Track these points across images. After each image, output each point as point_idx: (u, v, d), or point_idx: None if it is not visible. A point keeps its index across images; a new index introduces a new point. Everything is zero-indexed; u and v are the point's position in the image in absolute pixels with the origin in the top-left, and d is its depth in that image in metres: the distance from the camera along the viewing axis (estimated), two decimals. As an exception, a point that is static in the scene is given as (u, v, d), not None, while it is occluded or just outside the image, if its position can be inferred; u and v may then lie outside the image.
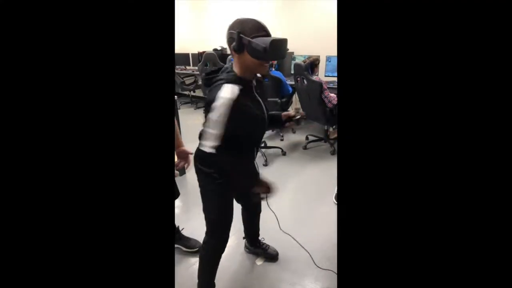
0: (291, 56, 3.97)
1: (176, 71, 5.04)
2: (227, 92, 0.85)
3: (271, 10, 4.21)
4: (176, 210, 1.93)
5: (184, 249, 1.53)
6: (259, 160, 2.74)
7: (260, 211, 1.39)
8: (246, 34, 0.83)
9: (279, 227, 1.45)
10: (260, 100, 1.00)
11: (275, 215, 1.38)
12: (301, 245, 1.54)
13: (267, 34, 0.85)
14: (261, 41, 0.81)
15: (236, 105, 0.85)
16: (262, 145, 2.94)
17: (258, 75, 1.04)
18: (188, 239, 1.56)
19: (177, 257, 1.50)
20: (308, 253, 1.49)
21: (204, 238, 1.14)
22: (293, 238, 1.55)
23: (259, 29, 0.84)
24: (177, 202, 1.98)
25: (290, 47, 3.95)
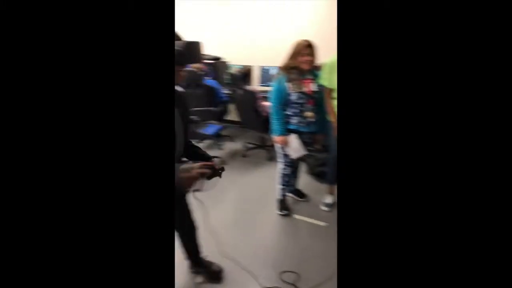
0: (225, 65, 4.01)
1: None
2: None
3: (208, 21, 4.20)
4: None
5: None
6: (197, 171, 2.65)
7: (194, 228, 1.31)
8: None
9: (219, 251, 1.38)
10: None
11: (213, 236, 1.33)
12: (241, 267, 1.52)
13: (179, 39, 0.82)
14: (176, 45, 0.78)
15: None
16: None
17: (177, 88, 0.97)
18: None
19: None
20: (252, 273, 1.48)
21: None
22: (234, 261, 1.52)
23: None
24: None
25: (226, 57, 4.00)
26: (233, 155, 3.15)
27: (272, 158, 2.97)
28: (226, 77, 3.63)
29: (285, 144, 1.78)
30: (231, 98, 3.09)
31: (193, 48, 0.81)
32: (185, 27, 4.29)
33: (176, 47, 0.77)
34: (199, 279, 1.42)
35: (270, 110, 1.78)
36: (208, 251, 1.46)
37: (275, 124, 1.77)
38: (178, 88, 0.98)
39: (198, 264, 1.42)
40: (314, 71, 1.72)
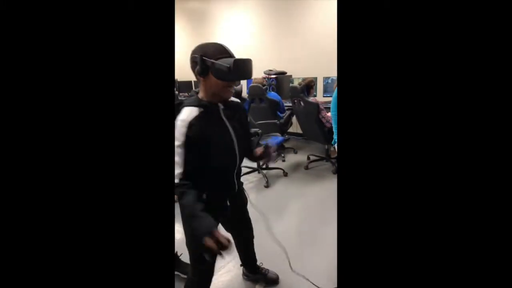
0: (289, 78, 4.09)
1: (180, 98, 5.22)
2: (183, 114, 0.85)
3: (269, 36, 4.41)
4: (176, 235, 1.91)
5: (183, 275, 1.50)
6: (260, 182, 2.74)
7: (252, 237, 1.35)
8: (209, 56, 0.83)
9: (290, 266, 1.40)
10: (228, 124, 0.94)
11: (284, 251, 1.35)
12: (311, 282, 1.49)
13: (230, 56, 0.85)
14: (225, 62, 0.81)
15: (194, 127, 0.84)
16: (264, 166, 2.95)
17: (233, 99, 1.00)
18: (187, 265, 1.53)
19: (176, 285, 1.47)
20: (314, 284, 1.44)
21: (188, 274, 1.11)
22: (304, 277, 1.51)
23: (222, 51, 0.85)
24: (177, 227, 1.97)
25: (289, 70, 4.10)
26: (296, 167, 3.14)
27: (336, 170, 2.85)
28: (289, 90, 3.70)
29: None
30: (294, 111, 3.12)
31: (241, 65, 0.82)
32: (248, 43, 4.59)
33: (225, 64, 0.81)
34: (260, 286, 1.45)
35: (331, 120, 1.74)
36: (267, 260, 1.49)
37: (335, 133, 1.71)
38: (234, 99, 1.01)
39: (254, 271, 1.45)
40: None
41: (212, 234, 0.74)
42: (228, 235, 0.84)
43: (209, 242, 0.73)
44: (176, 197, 0.92)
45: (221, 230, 1.15)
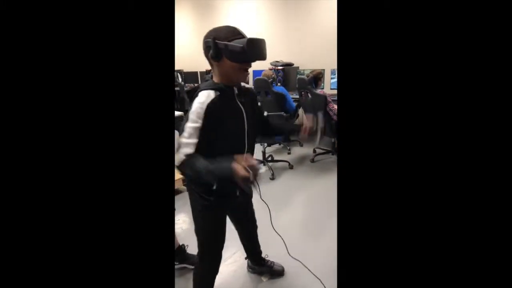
0: (296, 70, 4.03)
1: (186, 89, 5.20)
2: (202, 97, 0.85)
3: (277, 28, 4.33)
4: (183, 225, 1.94)
5: (190, 267, 1.52)
6: (265, 174, 2.74)
7: (256, 227, 1.35)
8: (222, 39, 0.81)
9: (288, 252, 1.41)
10: (243, 108, 0.93)
11: (281, 238, 1.35)
12: (309, 270, 1.50)
13: (243, 37, 0.82)
14: (238, 43, 0.79)
15: (211, 109, 0.83)
16: (269, 159, 2.95)
17: (244, 84, 0.99)
18: (194, 256, 1.55)
19: (182, 277, 1.49)
20: (318, 278, 1.45)
21: (196, 260, 1.13)
22: (302, 263, 1.52)
23: (235, 33, 0.82)
24: (183, 217, 1.99)
25: (296, 61, 4.04)
26: (302, 160, 3.13)
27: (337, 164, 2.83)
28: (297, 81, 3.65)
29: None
30: (301, 103, 3.09)
31: (255, 45, 0.80)
32: (256, 35, 4.51)
33: (239, 45, 0.78)
34: (265, 278, 1.46)
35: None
36: (274, 252, 1.50)
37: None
38: (245, 85, 1.00)
39: (259, 263, 1.46)
40: None
41: (237, 161, 0.74)
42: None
43: (238, 168, 0.72)
44: (180, 187, 0.93)
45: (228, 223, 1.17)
